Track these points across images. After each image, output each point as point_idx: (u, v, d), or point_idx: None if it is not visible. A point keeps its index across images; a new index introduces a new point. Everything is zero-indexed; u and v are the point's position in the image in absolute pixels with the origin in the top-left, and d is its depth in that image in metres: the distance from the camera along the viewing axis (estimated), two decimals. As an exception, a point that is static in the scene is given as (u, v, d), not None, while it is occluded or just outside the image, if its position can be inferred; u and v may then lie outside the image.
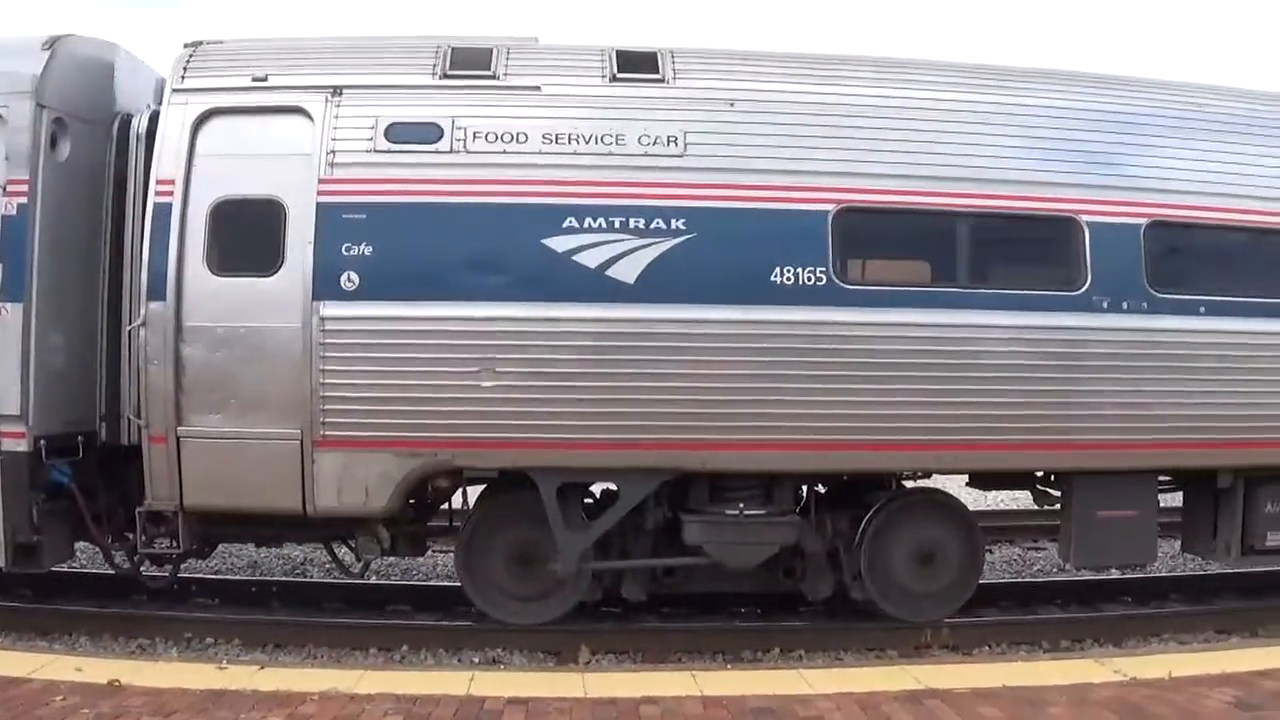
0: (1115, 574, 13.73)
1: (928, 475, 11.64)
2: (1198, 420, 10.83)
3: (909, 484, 11.57)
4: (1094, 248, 10.50)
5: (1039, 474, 11.57)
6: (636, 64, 10.60)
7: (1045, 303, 10.49)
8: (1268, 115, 11.71)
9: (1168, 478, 11.89)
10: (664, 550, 10.90)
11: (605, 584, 11.06)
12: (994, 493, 15.90)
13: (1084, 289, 10.46)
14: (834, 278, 10.09)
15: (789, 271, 10.03)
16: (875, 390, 10.21)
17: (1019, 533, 16.55)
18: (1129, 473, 10.96)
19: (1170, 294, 10.68)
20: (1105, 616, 12.14)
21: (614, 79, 10.49)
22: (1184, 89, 11.74)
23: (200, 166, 10.13)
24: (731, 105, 10.36)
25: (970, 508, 12.26)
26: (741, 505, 10.51)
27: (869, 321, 10.16)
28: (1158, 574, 14.18)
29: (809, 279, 10.05)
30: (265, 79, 10.34)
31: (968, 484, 12.49)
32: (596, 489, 11.18)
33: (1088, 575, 13.49)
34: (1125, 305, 10.50)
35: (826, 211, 10.14)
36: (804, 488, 11.16)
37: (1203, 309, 10.76)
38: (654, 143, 10.13)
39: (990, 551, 15.23)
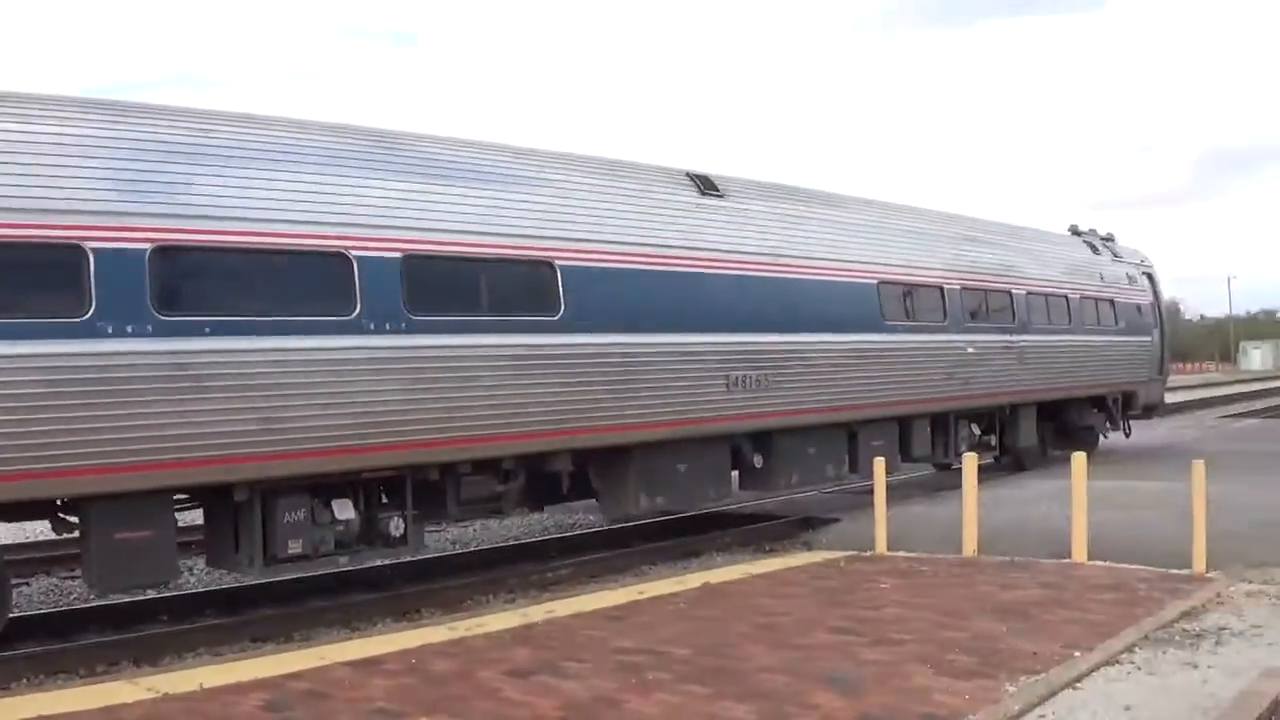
0: (153, 594, 15.97)
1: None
2: (212, 438, 13.15)
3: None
4: (99, 274, 12.47)
5: (59, 501, 13.33)
6: None
7: (39, 331, 12.15)
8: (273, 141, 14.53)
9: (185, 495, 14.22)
10: None
11: None
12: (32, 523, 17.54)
13: (88, 315, 12.38)
14: None
15: None
16: None
17: (57, 563, 18.40)
18: (144, 493, 13.02)
19: (174, 316, 12.91)
20: (138, 637, 14.16)
21: None
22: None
23: None
24: None
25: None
26: None
27: None
28: (195, 590, 16.76)
29: None
30: None
31: None
32: None
33: (128, 597, 15.58)
34: (129, 329, 12.57)
35: None
36: None
37: (208, 329, 13.18)
38: None
39: (27, 584, 17.18)
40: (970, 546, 17.16)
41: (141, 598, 15.92)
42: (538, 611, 13.80)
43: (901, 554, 17.47)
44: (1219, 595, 13.95)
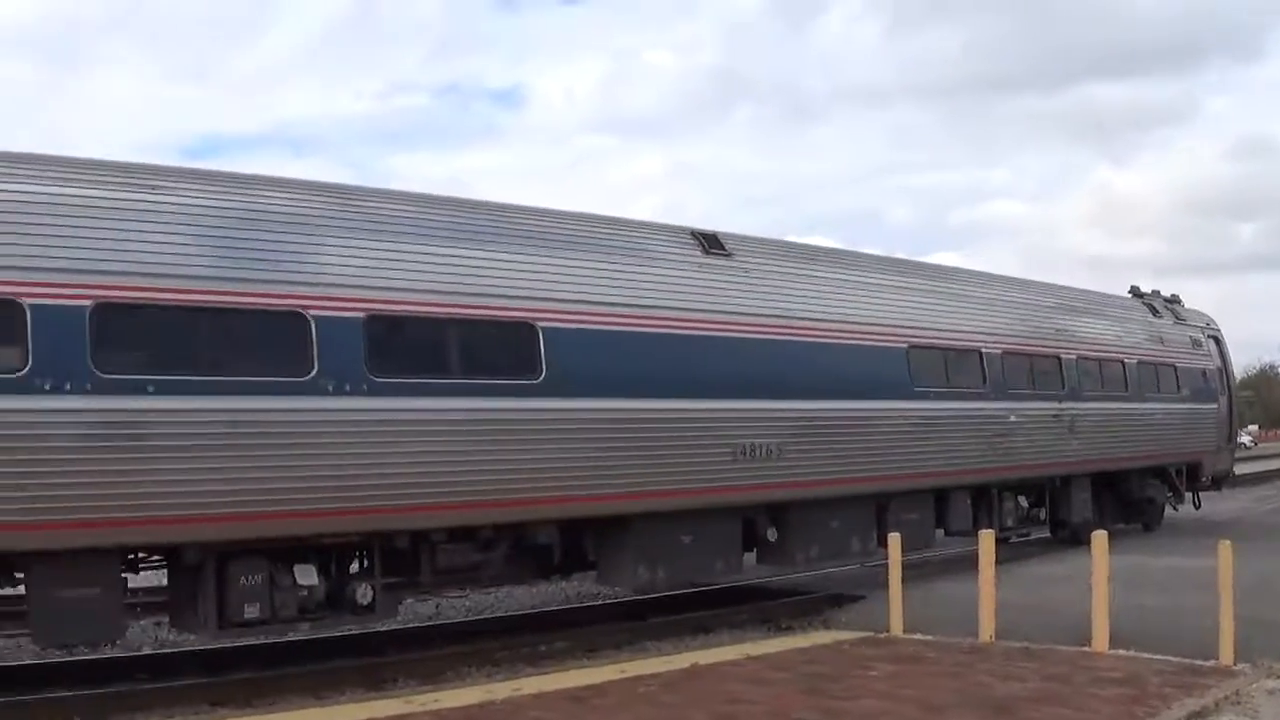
0: (144, 649, 16.41)
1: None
2: (158, 498, 13.12)
3: None
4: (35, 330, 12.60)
5: None
6: None
7: None
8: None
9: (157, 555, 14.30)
10: None
11: None
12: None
13: (25, 372, 12.47)
14: None
15: None
16: None
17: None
18: (91, 551, 13.02)
19: (113, 374, 12.93)
20: (90, 695, 13.86)
21: None
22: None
23: None
24: None
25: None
26: None
27: None
28: (128, 653, 16.64)
29: None
30: None
31: None
32: None
33: (108, 653, 15.79)
34: (68, 386, 12.62)
35: None
36: None
37: (152, 388, 13.20)
38: None
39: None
40: (987, 631, 16.58)
41: (123, 654, 16.13)
42: (504, 689, 13.59)
43: (917, 636, 16.99)
44: (1238, 693, 13.10)
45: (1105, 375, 27.98)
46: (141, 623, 18.16)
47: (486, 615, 20.84)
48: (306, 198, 15.38)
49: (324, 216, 15.21)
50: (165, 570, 14.91)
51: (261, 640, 16.02)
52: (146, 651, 16.84)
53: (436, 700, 12.93)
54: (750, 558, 20.37)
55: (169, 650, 17.04)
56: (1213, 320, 35.05)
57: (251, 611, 14.20)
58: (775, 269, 20.30)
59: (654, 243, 18.78)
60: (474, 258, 16.11)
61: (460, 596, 21.80)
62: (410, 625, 18.81)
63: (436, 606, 21.29)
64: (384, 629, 17.56)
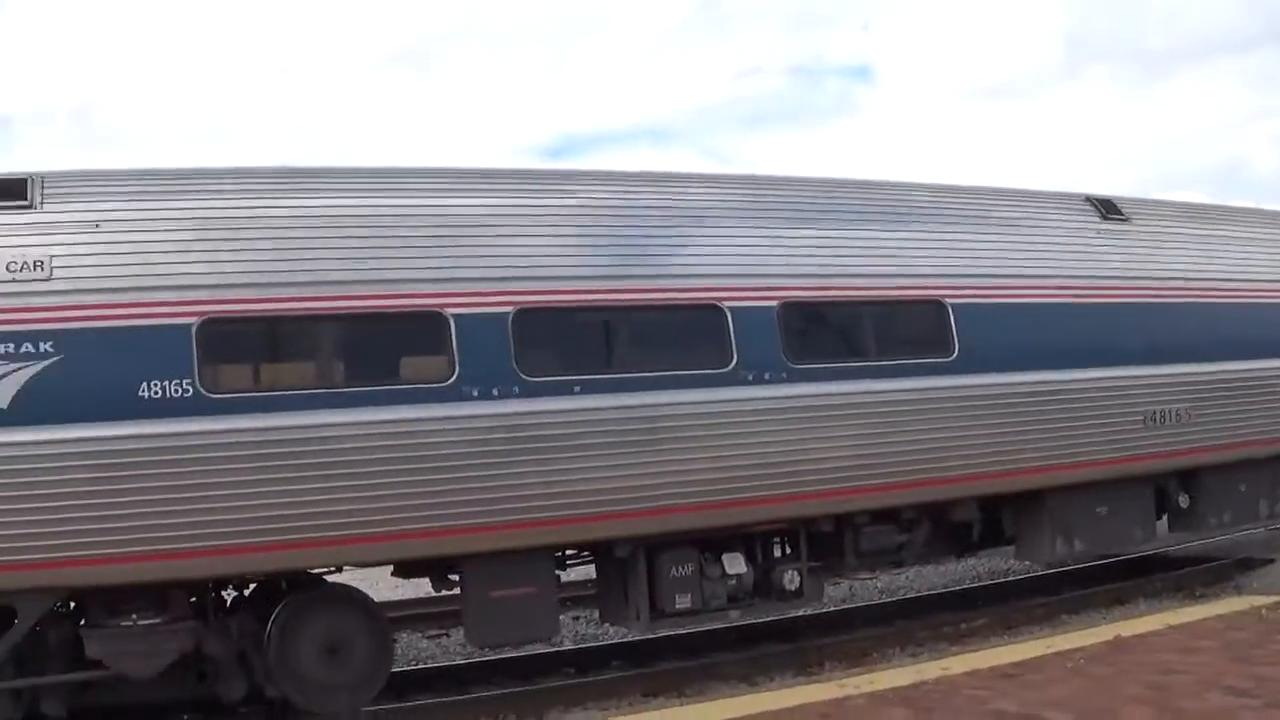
0: (566, 644, 16.41)
1: (339, 569, 13.29)
2: (589, 495, 12.97)
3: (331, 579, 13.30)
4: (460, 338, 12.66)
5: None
6: (3, 191, 11.85)
7: (410, 395, 12.45)
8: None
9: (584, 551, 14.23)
10: (78, 664, 12.04)
11: (25, 702, 12.05)
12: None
13: (453, 380, 12.51)
14: (201, 388, 11.63)
15: (156, 385, 11.50)
16: (265, 494, 11.72)
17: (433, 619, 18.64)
18: (524, 551, 12.99)
19: (539, 377, 12.87)
20: (524, 691, 14.15)
21: None
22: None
23: None
24: (97, 227, 11.79)
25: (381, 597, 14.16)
26: (134, 616, 11.87)
27: (238, 429, 11.72)
28: (549, 649, 16.50)
29: (176, 391, 11.54)
30: None
31: (393, 573, 14.31)
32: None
33: (528, 651, 15.72)
34: (495, 393, 12.57)
35: (190, 324, 11.68)
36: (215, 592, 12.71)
37: (578, 388, 13.03)
38: (21, 269, 11.36)
39: (448, 635, 17.56)
40: None
41: (544, 650, 16.11)
42: (933, 668, 13.09)
43: (1339, 596, 15.70)
44: None
45: None
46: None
47: (900, 596, 20.23)
48: (711, 190, 15.07)
49: (731, 207, 14.86)
50: (586, 565, 14.89)
51: (680, 630, 15.76)
52: (568, 646, 16.84)
53: (871, 682, 12.43)
54: (1160, 526, 19.20)
55: (589, 644, 17.03)
56: None
57: (683, 602, 13.98)
58: (1171, 230, 19.09)
59: (1051, 211, 17.85)
60: (878, 238, 15.58)
61: (871, 578, 21.31)
62: (828, 609, 18.35)
63: (850, 589, 20.85)
64: (803, 614, 17.14)
